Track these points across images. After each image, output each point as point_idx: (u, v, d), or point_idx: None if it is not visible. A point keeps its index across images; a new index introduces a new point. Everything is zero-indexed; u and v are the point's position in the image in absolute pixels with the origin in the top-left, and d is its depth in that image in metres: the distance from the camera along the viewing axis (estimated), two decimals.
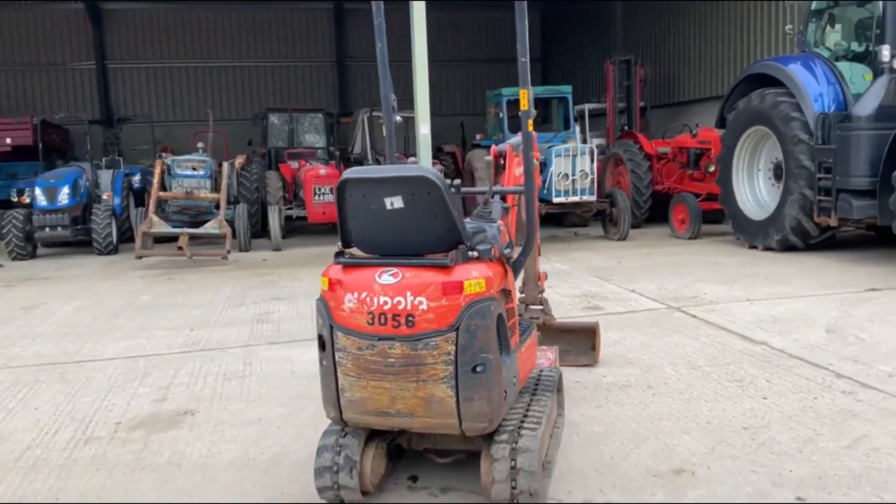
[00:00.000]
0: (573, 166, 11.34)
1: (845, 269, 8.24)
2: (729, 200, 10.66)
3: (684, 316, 6.43)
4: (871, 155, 8.26)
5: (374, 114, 15.64)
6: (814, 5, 9.71)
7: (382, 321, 2.91)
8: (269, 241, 12.68)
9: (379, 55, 3.78)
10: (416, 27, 11.29)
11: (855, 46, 9.30)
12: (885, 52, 8.17)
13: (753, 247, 10.05)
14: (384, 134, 3.88)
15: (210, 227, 11.03)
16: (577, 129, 12.97)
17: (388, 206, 2.93)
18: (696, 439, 3.79)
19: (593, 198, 11.56)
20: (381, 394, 2.95)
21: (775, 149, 9.86)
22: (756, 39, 14.24)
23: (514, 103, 13.53)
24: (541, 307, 5.06)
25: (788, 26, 10.45)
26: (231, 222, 11.38)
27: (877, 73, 8.51)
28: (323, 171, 12.37)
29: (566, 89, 13.68)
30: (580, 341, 5.17)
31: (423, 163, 11.57)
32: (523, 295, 5.06)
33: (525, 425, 3.14)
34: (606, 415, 4.19)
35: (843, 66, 9.16)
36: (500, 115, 13.32)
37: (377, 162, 15.49)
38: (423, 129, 11.44)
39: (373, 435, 3.26)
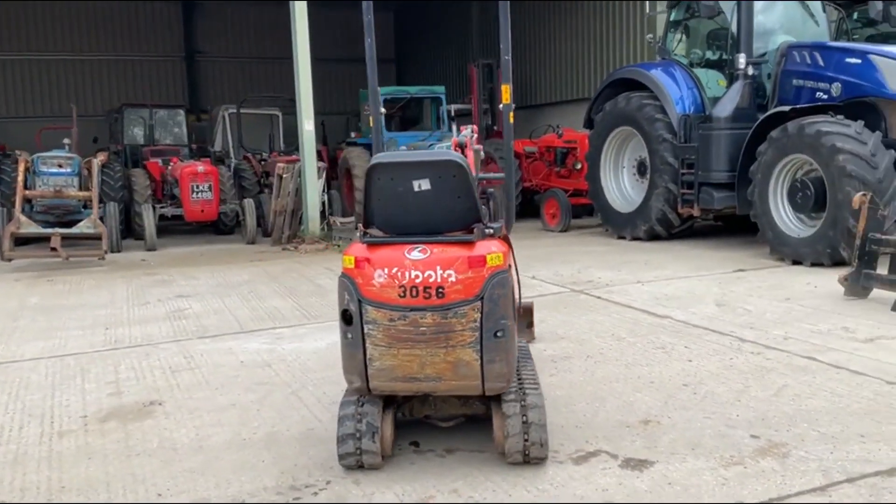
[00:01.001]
0: None
1: (710, 255, 9.22)
2: (597, 195, 11.52)
3: (589, 297, 7.03)
4: (729, 152, 9.29)
5: (237, 111, 15.41)
6: (672, 16, 10.72)
7: (414, 293, 3.17)
8: (136, 242, 12.28)
9: (368, 50, 4.00)
10: (297, 25, 11.35)
11: (709, 55, 10.38)
12: (741, 59, 9.22)
13: (622, 237, 10.94)
14: (371, 125, 4.10)
15: (84, 227, 10.53)
16: (455, 128, 13.44)
17: (416, 189, 3.19)
18: (648, 396, 4.30)
19: None
20: (411, 361, 3.20)
21: (640, 147, 10.79)
22: (609, 47, 15.35)
23: (391, 102, 13.86)
24: None
25: (649, 35, 11.46)
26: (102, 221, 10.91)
27: (732, 78, 9.57)
28: (201, 167, 12.12)
29: (439, 89, 14.18)
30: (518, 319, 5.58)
31: (308, 159, 11.67)
32: None
33: (526, 386, 3.50)
34: (563, 381, 4.63)
35: (699, 72, 10.20)
36: None
37: (247, 159, 15.28)
38: (308, 125, 11.54)
39: (385, 404, 3.50)
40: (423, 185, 3.18)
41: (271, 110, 17.22)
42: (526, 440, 3.34)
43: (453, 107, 15.94)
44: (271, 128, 16.95)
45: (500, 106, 4.11)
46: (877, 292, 6.40)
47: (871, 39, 11.00)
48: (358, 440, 3.35)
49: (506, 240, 3.53)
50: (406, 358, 3.20)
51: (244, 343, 5.83)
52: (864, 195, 6.52)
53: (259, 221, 12.71)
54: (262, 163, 15.14)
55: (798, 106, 8.52)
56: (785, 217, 8.60)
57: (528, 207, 13.78)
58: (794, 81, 9.26)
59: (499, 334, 3.22)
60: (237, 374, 5.02)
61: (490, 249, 3.23)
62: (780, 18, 10.08)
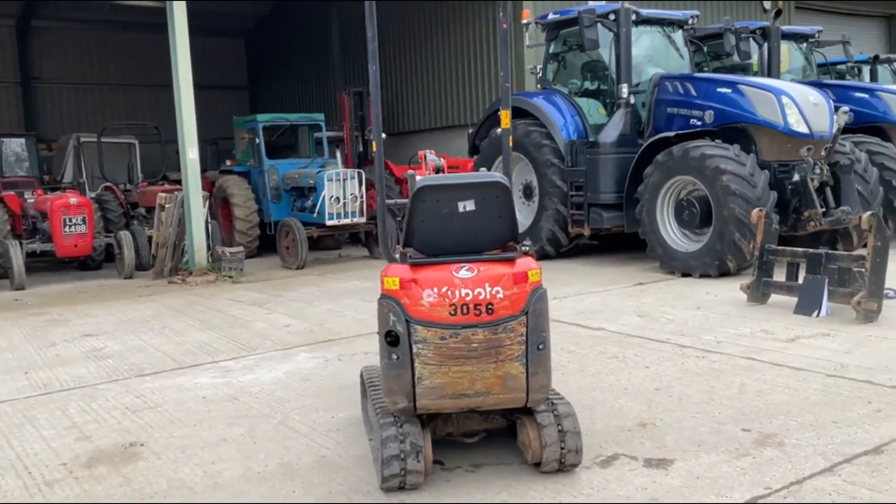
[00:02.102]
0: (344, 190, 11.84)
1: (604, 271, 9.80)
2: None
3: None
4: (616, 175, 9.94)
5: (97, 139, 14.56)
6: (551, 49, 11.35)
7: (465, 311, 3.27)
8: None
9: (370, 55, 3.95)
10: (178, 52, 11.01)
11: (588, 85, 11.08)
12: (624, 89, 9.93)
13: None
14: (373, 150, 4.13)
15: None
16: (339, 154, 13.45)
17: (461, 209, 3.30)
18: (630, 402, 4.59)
19: (363, 219, 12.16)
20: (461, 377, 3.29)
21: (526, 172, 11.29)
22: (476, 77, 15.91)
23: (270, 129, 13.65)
24: None
25: (531, 66, 12.05)
26: None
27: (613, 107, 10.28)
28: (73, 199, 11.35)
29: (319, 117, 14.12)
30: None
31: (193, 189, 11.28)
32: None
33: (552, 397, 3.67)
34: None
35: (580, 100, 10.87)
36: (258, 140, 13.33)
37: (110, 190, 14.41)
38: (191, 153, 11.16)
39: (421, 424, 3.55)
40: (468, 206, 3.30)
41: (128, 139, 16.42)
42: (563, 448, 3.50)
43: (325, 134, 15.90)
44: (129, 157, 16.14)
45: (498, 130, 4.29)
46: (774, 297, 7.12)
47: (717, 71, 12.19)
48: (402, 461, 3.37)
49: (533, 256, 3.70)
50: (457, 375, 3.29)
51: (192, 378, 5.60)
52: (761, 211, 7.25)
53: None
54: (127, 193, 14.37)
55: (682, 132, 9.28)
56: (672, 233, 9.32)
57: None
58: (668, 109, 10.09)
59: (540, 347, 3.38)
60: (208, 410, 4.83)
61: (530, 266, 3.39)
62: (649, 51, 10.95)
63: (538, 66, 11.66)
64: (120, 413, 4.85)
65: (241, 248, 11.60)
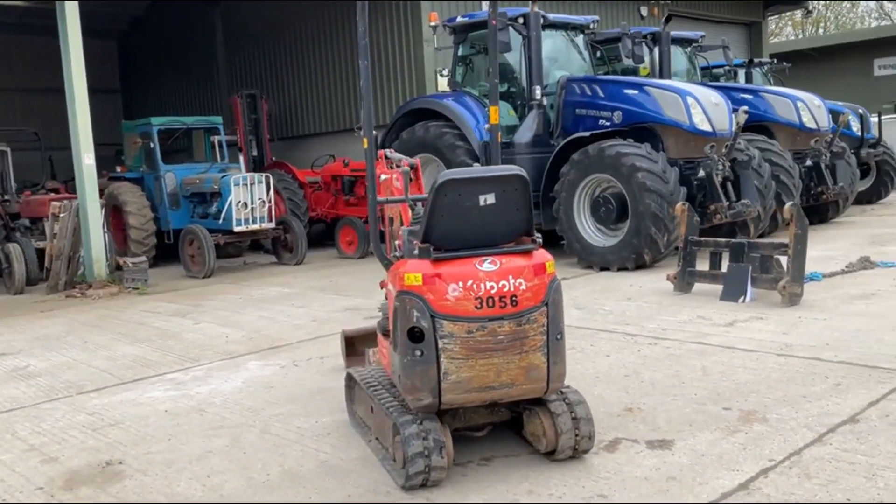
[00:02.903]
0: (251, 195, 11.51)
1: None
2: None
3: None
4: (532, 174, 10.12)
5: None
6: (459, 52, 11.48)
7: (490, 304, 3.28)
8: None
9: (361, 50, 3.90)
10: (72, 56, 10.40)
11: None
12: (537, 91, 10.19)
13: None
14: (364, 147, 4.06)
15: None
16: (242, 159, 13.04)
17: (482, 203, 3.31)
18: (608, 389, 4.73)
19: (271, 225, 11.85)
20: (488, 370, 3.30)
21: (439, 173, 11.36)
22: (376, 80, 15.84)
23: (165, 133, 13.07)
24: None
25: (440, 68, 12.14)
26: None
27: (527, 108, 10.52)
28: None
29: (216, 120, 13.65)
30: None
31: (90, 196, 10.66)
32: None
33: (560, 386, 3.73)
34: None
35: None
36: (152, 145, 12.72)
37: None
38: (87, 159, 10.53)
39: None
40: (488, 199, 3.31)
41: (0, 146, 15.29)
42: (577, 435, 3.57)
43: (217, 138, 15.39)
44: (2, 165, 15.03)
45: (487, 126, 4.32)
46: (699, 286, 7.51)
47: (609, 74, 12.71)
48: (427, 457, 3.34)
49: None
50: (483, 368, 3.29)
51: (143, 393, 5.31)
52: (684, 205, 7.63)
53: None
54: (5, 203, 13.38)
55: (597, 132, 9.62)
56: (589, 229, 9.65)
57: (312, 237, 13.78)
58: (577, 111, 10.44)
59: (559, 337, 3.44)
60: (177, 423, 4.59)
61: (546, 258, 3.45)
62: (553, 54, 11.28)
63: (446, 69, 11.77)
64: (79, 432, 4.53)
65: (145, 258, 11.04)
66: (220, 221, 11.66)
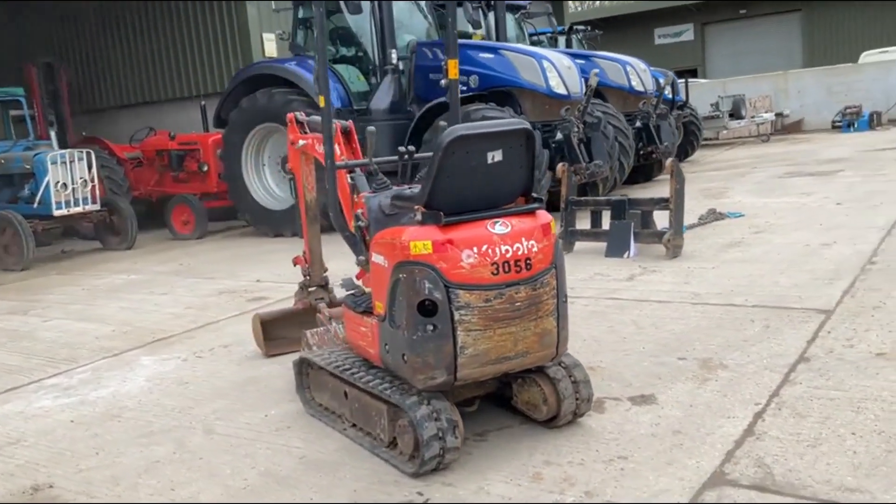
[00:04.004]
0: (72, 174, 10.29)
1: None
2: (242, 196, 11.18)
3: None
4: (392, 141, 9.89)
5: None
6: (300, 14, 10.89)
7: (506, 269, 3.06)
8: None
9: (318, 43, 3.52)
10: None
11: (344, 51, 10.84)
12: (393, 55, 9.88)
13: (280, 234, 10.83)
14: (321, 106, 3.64)
15: None
16: (53, 135, 11.57)
17: (489, 160, 3.06)
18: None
19: (96, 206, 10.67)
20: (505, 339, 3.08)
21: (286, 143, 10.79)
22: (190, 46, 14.67)
23: None
24: (326, 287, 5.16)
25: (279, 31, 11.43)
26: None
27: (381, 74, 10.18)
28: None
29: (17, 91, 12.02)
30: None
31: None
32: (307, 277, 5.09)
33: None
34: None
35: (340, 67, 10.60)
36: None
37: None
38: None
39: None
40: (496, 156, 3.07)
41: None
42: (577, 398, 3.46)
43: (25, 112, 13.62)
44: None
45: (443, 82, 4.03)
46: (580, 244, 7.68)
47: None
48: (441, 439, 3.09)
49: None
50: (501, 338, 3.08)
51: (29, 404, 4.54)
52: (564, 165, 7.74)
53: None
54: None
55: (462, 95, 9.49)
56: None
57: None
58: (431, 76, 10.25)
59: (564, 299, 3.30)
60: (94, 434, 3.96)
61: (548, 217, 3.27)
62: (399, 17, 10.99)
63: (286, 32, 11.14)
64: None
65: None
66: (36, 206, 10.32)
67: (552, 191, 9.32)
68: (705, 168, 15.28)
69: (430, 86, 10.22)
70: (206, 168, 12.09)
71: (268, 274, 8.03)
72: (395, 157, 3.89)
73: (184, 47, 14.56)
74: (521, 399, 3.59)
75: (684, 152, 16.59)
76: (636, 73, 12.67)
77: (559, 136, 9.69)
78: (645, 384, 3.99)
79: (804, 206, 9.20)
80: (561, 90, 9.70)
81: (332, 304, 5.01)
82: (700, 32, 35.95)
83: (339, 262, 5.46)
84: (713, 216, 8.81)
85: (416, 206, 3.09)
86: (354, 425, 3.61)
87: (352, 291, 3.76)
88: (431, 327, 3.01)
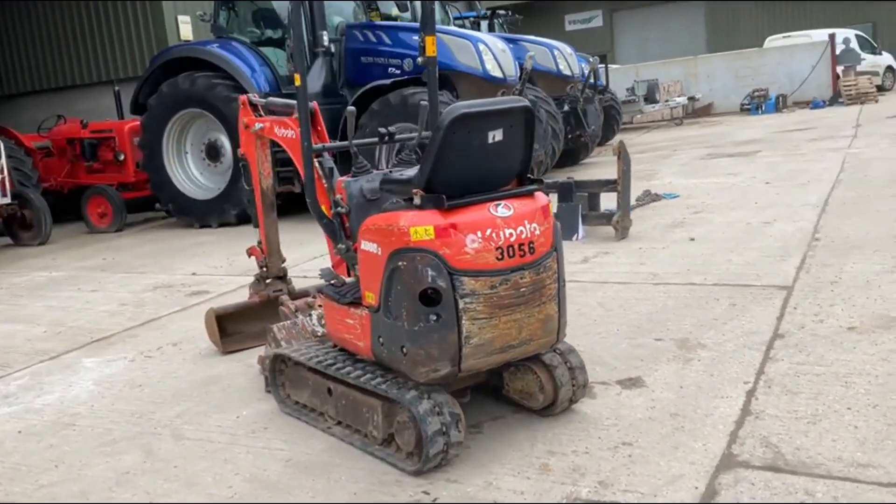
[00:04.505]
0: None
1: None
2: (165, 186, 10.68)
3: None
4: (327, 127, 9.58)
5: None
6: None
7: (511, 253, 2.92)
8: None
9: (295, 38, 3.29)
10: None
11: (270, 33, 10.44)
12: (325, 37, 9.56)
13: (206, 225, 10.39)
14: (296, 85, 3.41)
15: None
16: None
17: (490, 140, 2.91)
18: None
19: (6, 200, 9.99)
20: (510, 327, 2.95)
21: (212, 129, 10.36)
22: (102, 28, 13.90)
23: None
24: (285, 279, 4.92)
25: (200, 12, 10.90)
26: None
27: (311, 57, 9.84)
28: None
29: None
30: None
31: None
32: (265, 269, 4.83)
33: None
34: None
35: (267, 50, 10.21)
36: None
37: None
38: None
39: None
40: (496, 135, 2.93)
41: None
42: (574, 385, 3.37)
43: None
44: None
45: (419, 60, 3.83)
46: None
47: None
48: (445, 434, 2.94)
49: None
50: (506, 326, 2.94)
51: None
52: None
53: None
54: None
55: (397, 79, 9.29)
56: None
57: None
58: (363, 59, 10.01)
59: (563, 284, 3.19)
60: (49, 446, 3.63)
61: (546, 199, 3.15)
62: None
63: (207, 13, 10.66)
64: None
65: None
66: None
67: None
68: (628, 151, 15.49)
69: (362, 69, 9.99)
70: (122, 157, 11.50)
71: (203, 267, 7.68)
72: (375, 140, 3.68)
73: (93, 30, 13.80)
74: (513, 388, 3.47)
75: (605, 136, 16.82)
76: (563, 57, 12.72)
77: None
78: (629, 367, 3.94)
79: (734, 185, 9.42)
80: (497, 73, 9.62)
81: (293, 295, 4.77)
82: (609, 19, 36.67)
83: (292, 253, 5.22)
84: (650, 197, 8.91)
85: (415, 190, 2.91)
86: (340, 423, 3.42)
87: (332, 282, 3.55)
88: (434, 317, 2.85)
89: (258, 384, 4.13)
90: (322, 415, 3.53)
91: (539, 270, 3.00)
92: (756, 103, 21.01)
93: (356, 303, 3.25)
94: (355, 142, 3.56)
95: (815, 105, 20.75)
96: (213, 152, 10.50)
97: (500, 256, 2.90)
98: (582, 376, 3.39)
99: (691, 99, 22.11)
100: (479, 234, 2.86)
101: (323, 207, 3.56)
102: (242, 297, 6.18)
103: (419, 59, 3.83)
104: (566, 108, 12.65)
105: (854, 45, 22.61)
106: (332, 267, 3.77)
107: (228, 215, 10.20)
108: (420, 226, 2.83)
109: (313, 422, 3.55)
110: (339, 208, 3.46)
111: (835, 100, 20.89)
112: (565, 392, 3.34)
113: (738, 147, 13.69)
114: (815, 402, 3.34)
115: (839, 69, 21.47)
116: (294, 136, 4.03)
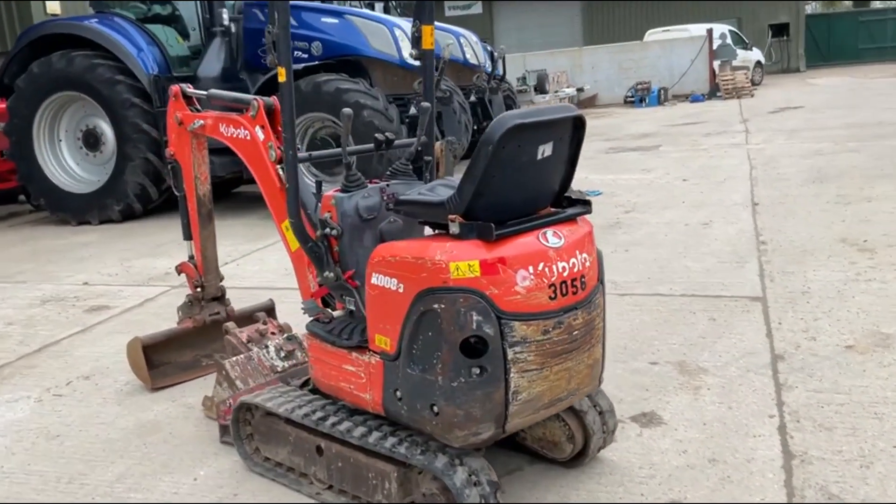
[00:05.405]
0: None
1: (239, 223, 8.65)
2: (35, 178, 9.50)
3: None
4: None
5: None
6: None
7: (564, 291, 2.44)
8: None
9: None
10: None
11: (158, 9, 9.43)
12: (224, 15, 8.69)
13: (85, 222, 9.32)
14: (281, 81, 2.79)
15: None
16: None
17: (540, 155, 2.43)
18: None
19: None
20: (561, 378, 2.49)
21: (90, 115, 9.29)
22: None
23: None
24: (223, 299, 4.26)
25: None
26: None
27: (207, 36, 8.95)
28: None
29: None
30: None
31: None
32: (200, 289, 4.15)
33: None
34: None
35: (155, 28, 9.21)
36: None
37: None
38: None
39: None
40: (546, 150, 2.44)
41: None
42: (604, 431, 2.96)
43: None
44: None
45: (415, 52, 3.28)
46: None
47: None
48: None
49: None
50: (557, 377, 2.47)
51: None
52: (443, 143, 7.14)
53: None
54: None
55: (308, 64, 8.57)
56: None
57: None
58: (263, 40, 9.19)
59: (604, 319, 2.75)
60: (35, 461, 2.85)
61: (590, 223, 2.70)
62: None
63: None
64: None
65: None
66: None
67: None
68: None
69: (264, 52, 9.18)
70: None
71: (94, 274, 6.77)
72: (371, 147, 3.11)
73: None
74: (532, 435, 3.02)
75: None
76: (470, 45, 12.31)
77: (413, 110, 9.06)
78: (636, 398, 3.58)
79: (652, 182, 9.34)
80: (415, 62, 9.05)
81: (235, 320, 4.11)
82: (488, 7, 36.67)
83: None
84: (574, 194, 8.64)
85: (452, 216, 2.38)
86: (332, 487, 2.85)
87: (316, 317, 2.96)
88: (478, 370, 2.34)
89: (209, 432, 3.48)
90: (305, 476, 2.95)
91: (590, 309, 2.55)
92: (640, 96, 21.44)
93: (362, 347, 2.69)
94: (349, 149, 2.97)
95: (694, 99, 21.41)
96: (91, 140, 9.41)
97: (552, 295, 2.42)
98: (612, 421, 2.98)
99: (579, 90, 22.31)
100: (530, 269, 2.37)
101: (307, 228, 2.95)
102: (150, 312, 5.48)
103: (413, 52, 3.27)
104: (472, 98, 12.27)
105: (729, 40, 23.51)
106: (305, 295, 3.19)
107: (111, 211, 9.18)
108: (462, 261, 2.31)
109: (294, 485, 2.96)
110: (328, 230, 2.86)
111: (713, 94, 21.63)
112: (596, 441, 2.92)
113: (637, 141, 13.79)
114: (856, 440, 3.07)
115: (716, 64, 22.26)
116: (248, 138, 3.40)
